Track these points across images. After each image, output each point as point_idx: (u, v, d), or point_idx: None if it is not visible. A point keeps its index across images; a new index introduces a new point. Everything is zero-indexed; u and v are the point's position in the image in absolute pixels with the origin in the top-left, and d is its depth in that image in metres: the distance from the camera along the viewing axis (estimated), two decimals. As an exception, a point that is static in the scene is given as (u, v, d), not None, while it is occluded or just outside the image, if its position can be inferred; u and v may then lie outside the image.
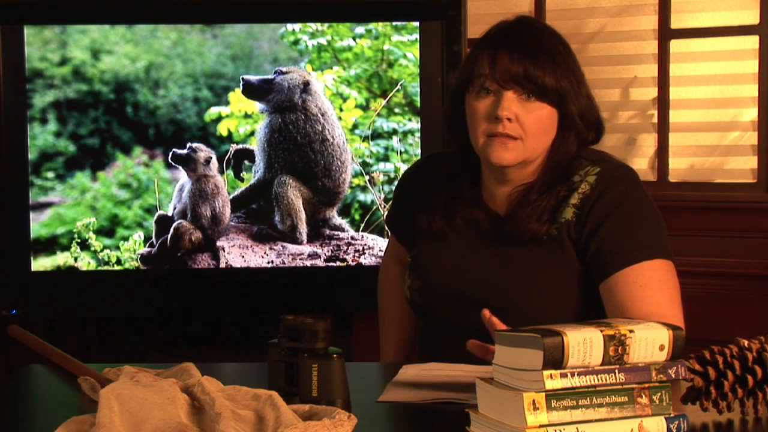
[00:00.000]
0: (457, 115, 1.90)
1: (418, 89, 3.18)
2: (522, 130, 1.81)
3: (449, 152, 2.01)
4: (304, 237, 3.21)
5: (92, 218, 3.20)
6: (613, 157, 1.92)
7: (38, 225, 3.18)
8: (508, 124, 1.80)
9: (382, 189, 3.20)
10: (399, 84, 3.19)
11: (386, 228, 2.18)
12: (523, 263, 1.85)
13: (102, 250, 3.19)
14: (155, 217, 3.21)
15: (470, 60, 1.87)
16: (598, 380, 1.27)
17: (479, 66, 1.83)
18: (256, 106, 3.20)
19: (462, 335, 1.88)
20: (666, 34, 3.50)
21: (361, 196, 3.22)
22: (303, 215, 3.20)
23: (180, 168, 3.21)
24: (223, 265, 3.20)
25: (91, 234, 3.19)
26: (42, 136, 3.18)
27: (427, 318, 2.00)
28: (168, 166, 3.21)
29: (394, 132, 3.21)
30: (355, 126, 3.21)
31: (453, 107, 1.92)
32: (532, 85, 1.80)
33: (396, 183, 2.52)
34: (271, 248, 3.22)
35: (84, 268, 3.18)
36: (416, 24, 3.17)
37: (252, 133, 3.21)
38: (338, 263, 3.20)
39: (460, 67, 1.93)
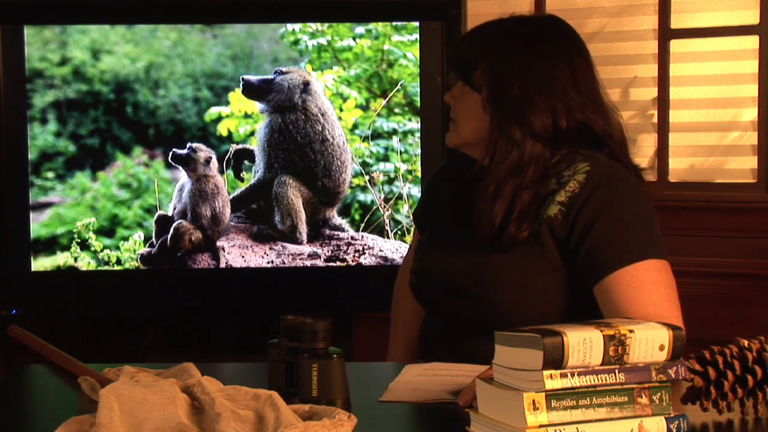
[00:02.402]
0: None
1: (418, 89, 3.18)
2: (455, 113, 1.93)
3: None
4: (304, 237, 3.21)
5: (92, 218, 3.20)
6: (606, 155, 1.90)
7: (38, 225, 3.19)
8: (452, 108, 1.94)
9: (382, 189, 3.20)
10: (399, 84, 3.19)
11: (414, 225, 2.20)
12: (502, 254, 1.85)
13: (102, 250, 3.19)
14: (155, 217, 3.21)
15: None
16: (598, 380, 1.27)
17: None
18: (256, 106, 3.20)
19: (450, 321, 1.91)
20: (666, 34, 3.50)
21: (361, 196, 3.22)
22: (303, 215, 3.21)
23: (180, 168, 3.21)
24: (223, 265, 3.20)
25: (91, 234, 3.19)
26: (42, 136, 3.19)
27: (422, 302, 2.03)
28: (168, 166, 3.21)
29: (394, 132, 3.21)
30: (355, 126, 3.21)
31: None
32: (459, 70, 1.92)
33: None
34: (271, 248, 3.22)
35: (84, 268, 3.18)
36: (416, 24, 3.18)
37: (252, 133, 3.21)
38: (338, 263, 3.20)
39: None
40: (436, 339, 1.96)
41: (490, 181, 1.85)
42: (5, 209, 3.18)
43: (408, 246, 2.29)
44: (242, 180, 3.22)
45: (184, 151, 3.20)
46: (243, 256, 3.21)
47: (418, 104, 3.18)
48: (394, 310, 2.22)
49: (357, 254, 3.20)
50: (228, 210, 3.22)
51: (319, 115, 3.20)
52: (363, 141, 3.21)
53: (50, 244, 3.20)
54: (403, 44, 3.20)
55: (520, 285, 1.83)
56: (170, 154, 3.20)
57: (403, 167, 3.19)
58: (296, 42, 3.20)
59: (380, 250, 3.19)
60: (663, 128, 3.52)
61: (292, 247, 3.21)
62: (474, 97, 1.88)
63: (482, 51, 1.88)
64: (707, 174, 3.48)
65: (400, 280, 2.23)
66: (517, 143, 1.84)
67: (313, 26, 3.19)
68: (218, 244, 3.21)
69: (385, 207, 3.20)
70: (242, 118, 3.21)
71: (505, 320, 1.71)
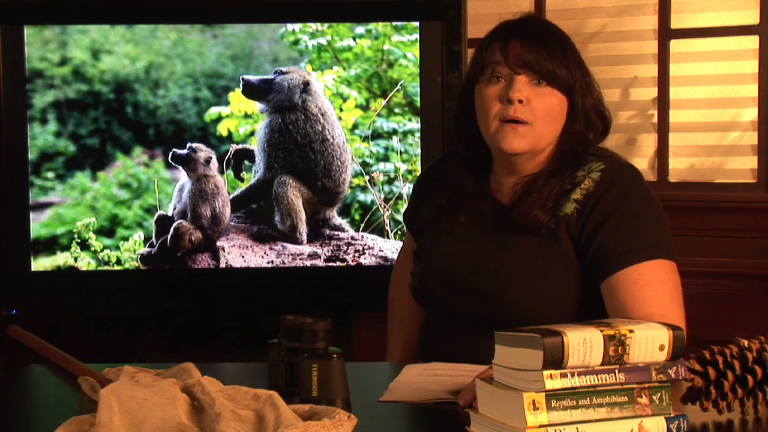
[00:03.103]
0: (465, 111, 1.92)
1: (418, 89, 3.18)
2: (532, 114, 1.83)
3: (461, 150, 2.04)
4: (304, 237, 3.21)
5: (92, 218, 3.20)
6: (617, 155, 1.93)
7: (38, 225, 3.18)
8: (519, 107, 1.82)
9: (382, 189, 3.20)
10: (399, 84, 3.19)
11: (404, 226, 2.18)
12: (517, 253, 1.86)
13: (102, 250, 3.19)
14: (155, 217, 3.21)
15: (480, 51, 1.90)
16: (598, 380, 1.27)
17: (490, 54, 1.86)
18: (256, 106, 3.20)
19: (459, 323, 1.90)
20: (666, 34, 3.50)
21: (361, 196, 3.22)
22: (303, 215, 3.20)
23: (180, 168, 3.21)
24: (223, 265, 3.20)
25: (91, 234, 3.19)
26: (42, 136, 3.19)
27: (425, 304, 2.02)
28: (168, 166, 3.21)
29: (394, 132, 3.21)
30: (355, 126, 3.21)
31: (460, 103, 1.94)
32: (543, 71, 1.83)
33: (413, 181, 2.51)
34: (271, 248, 3.22)
35: (84, 268, 3.18)
36: (416, 24, 3.17)
37: (252, 133, 3.21)
38: (338, 263, 3.20)
39: (469, 63, 1.96)
40: (441, 340, 1.94)
41: (550, 171, 1.86)
42: (5, 209, 3.18)
43: (401, 247, 2.27)
44: (242, 180, 3.22)
45: (184, 151, 3.20)
46: (243, 256, 3.21)
47: (418, 104, 3.18)
48: (391, 310, 2.21)
49: (357, 254, 3.20)
50: (228, 210, 3.22)
51: (319, 115, 3.19)
52: (363, 141, 3.21)
53: (50, 244, 3.20)
54: (403, 44, 3.20)
55: (533, 283, 1.83)
56: (170, 154, 3.20)
57: (403, 167, 3.19)
58: (296, 42, 3.20)
59: (380, 250, 3.19)
60: (663, 128, 3.52)
61: (292, 247, 3.21)
62: (561, 101, 1.86)
63: (571, 56, 1.87)
64: (707, 174, 3.48)
65: (394, 279, 2.22)
66: (579, 138, 1.87)
67: (313, 26, 3.19)
68: (218, 244, 3.21)
69: (385, 207, 3.20)
70: (242, 118, 3.21)
71: (518, 319, 1.72)
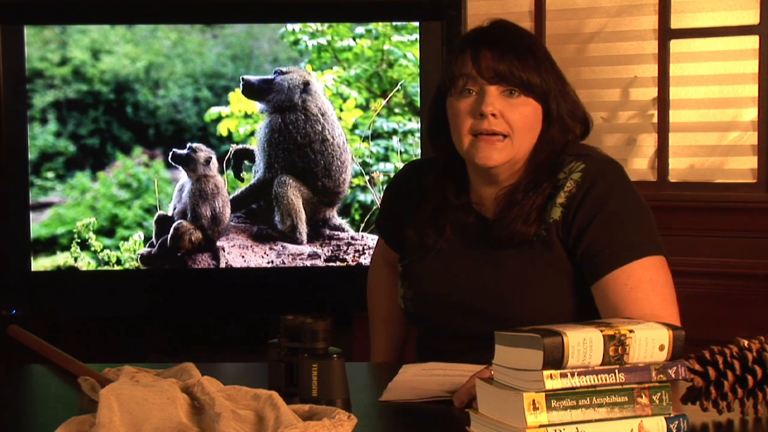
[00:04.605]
0: (439, 121, 1.89)
1: (418, 89, 3.18)
2: (508, 126, 1.80)
3: (433, 158, 1.99)
4: (304, 237, 3.21)
5: (92, 218, 3.20)
6: (597, 150, 1.90)
7: (38, 225, 3.19)
8: (494, 120, 1.79)
9: (382, 189, 3.20)
10: (399, 84, 3.19)
11: (378, 232, 2.17)
12: (514, 265, 1.84)
13: (102, 250, 3.19)
14: (155, 217, 3.21)
15: (450, 62, 1.86)
16: (598, 380, 1.27)
17: (461, 66, 1.82)
18: (256, 106, 3.20)
19: (459, 341, 1.88)
20: (666, 34, 3.50)
21: (361, 196, 3.22)
22: (303, 215, 3.20)
23: (180, 168, 3.21)
24: (223, 265, 3.20)
25: (91, 234, 3.19)
26: (42, 136, 3.19)
27: (422, 326, 1.99)
28: (168, 166, 3.21)
29: (394, 132, 3.21)
30: (355, 126, 3.21)
31: (434, 112, 1.91)
32: (517, 81, 1.79)
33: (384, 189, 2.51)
34: (271, 248, 3.22)
35: (84, 268, 3.18)
36: (416, 24, 3.18)
37: (252, 133, 3.21)
38: (338, 263, 3.20)
39: (441, 73, 1.91)
40: (441, 356, 1.90)
41: (527, 184, 1.83)
42: (5, 209, 3.18)
43: (375, 247, 2.24)
44: (242, 180, 3.22)
45: (184, 151, 3.20)
46: (243, 256, 3.21)
47: (418, 104, 3.18)
48: (372, 310, 2.19)
49: (357, 254, 3.20)
50: (228, 210, 3.22)
51: (319, 115, 3.20)
52: (363, 141, 3.21)
53: (50, 244, 3.20)
54: (403, 44, 3.20)
55: (534, 296, 1.81)
56: (170, 154, 3.20)
57: (403, 167, 3.20)
58: (296, 42, 3.20)
59: (380, 250, 3.19)
60: (663, 128, 3.51)
61: (292, 247, 3.21)
62: (537, 109, 1.82)
63: (543, 62, 1.83)
64: (707, 174, 3.48)
65: (371, 280, 2.20)
66: (554, 146, 1.84)
67: (313, 26, 3.19)
68: (218, 244, 3.21)
69: (385, 207, 3.20)
70: (242, 118, 3.21)
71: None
